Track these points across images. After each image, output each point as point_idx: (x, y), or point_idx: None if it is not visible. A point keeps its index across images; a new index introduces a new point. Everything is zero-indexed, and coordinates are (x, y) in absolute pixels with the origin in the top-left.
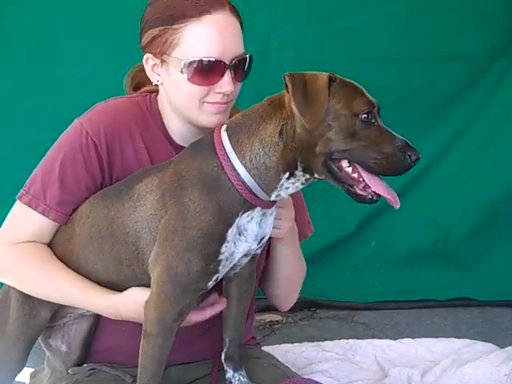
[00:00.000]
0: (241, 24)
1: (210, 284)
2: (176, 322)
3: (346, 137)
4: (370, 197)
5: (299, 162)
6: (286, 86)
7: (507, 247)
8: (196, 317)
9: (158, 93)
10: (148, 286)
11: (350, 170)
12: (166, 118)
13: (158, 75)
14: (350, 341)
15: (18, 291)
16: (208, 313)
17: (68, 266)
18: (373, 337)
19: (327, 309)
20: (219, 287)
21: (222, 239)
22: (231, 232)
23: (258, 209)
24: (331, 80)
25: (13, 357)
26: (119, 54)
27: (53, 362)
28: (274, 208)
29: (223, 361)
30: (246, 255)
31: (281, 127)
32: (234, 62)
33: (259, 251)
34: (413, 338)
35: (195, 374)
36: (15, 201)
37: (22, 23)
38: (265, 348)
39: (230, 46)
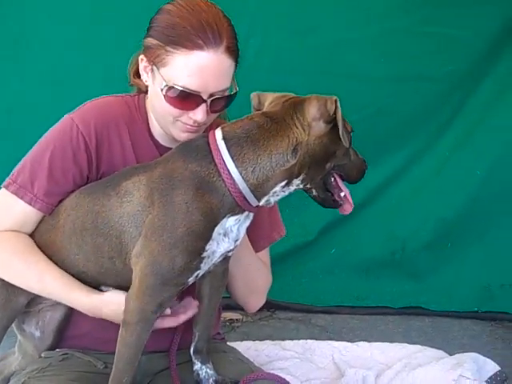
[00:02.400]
0: (236, 59)
1: (191, 280)
2: (155, 313)
3: (345, 153)
4: (341, 203)
5: (303, 173)
6: (320, 106)
7: (459, 262)
8: (169, 322)
9: (146, 92)
10: (126, 280)
11: (332, 180)
12: (151, 118)
13: (148, 76)
14: (309, 341)
15: None
16: (182, 318)
17: (49, 257)
18: (329, 339)
19: (285, 310)
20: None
21: (208, 238)
22: (217, 231)
23: (246, 213)
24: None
25: None
26: (115, 55)
27: (25, 346)
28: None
29: (192, 353)
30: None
31: (295, 146)
32: (213, 97)
33: (231, 254)
34: (368, 341)
35: (164, 363)
36: None
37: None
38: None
39: (212, 83)
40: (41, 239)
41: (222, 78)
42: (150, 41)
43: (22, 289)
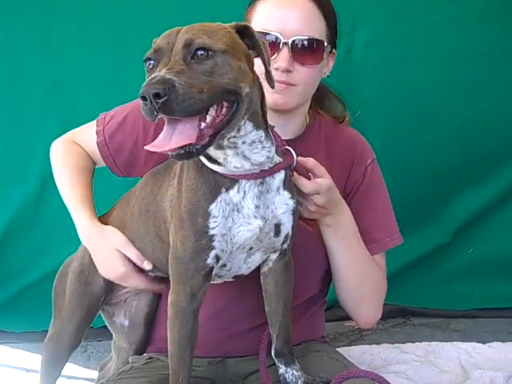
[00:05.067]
0: (322, 10)
1: (210, 262)
2: (191, 304)
3: None
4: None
5: None
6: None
7: None
8: None
9: None
10: None
11: None
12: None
13: None
14: (433, 343)
15: (77, 265)
16: None
17: (127, 235)
18: None
19: (422, 316)
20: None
21: (206, 215)
22: (216, 207)
23: (246, 182)
24: None
25: (69, 328)
26: None
27: (118, 342)
28: (279, 186)
29: (274, 357)
30: (275, 251)
31: None
32: (294, 41)
33: (285, 246)
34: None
35: (252, 367)
36: None
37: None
38: (341, 349)
39: (292, 25)
40: (120, 218)
41: (304, 22)
42: (244, 14)
43: (98, 274)
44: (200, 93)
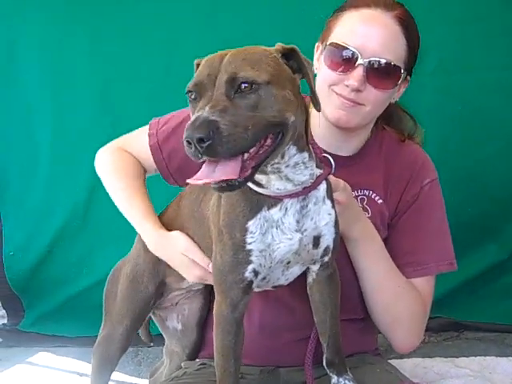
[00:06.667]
0: (406, 34)
1: (248, 275)
2: (232, 314)
3: None
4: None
5: None
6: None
7: None
8: None
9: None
10: None
11: None
12: (314, 117)
13: (318, 62)
14: (488, 358)
15: (129, 270)
16: None
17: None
18: None
19: (475, 330)
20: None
21: (244, 230)
22: (254, 224)
23: (289, 201)
24: None
25: (120, 331)
26: None
27: (170, 347)
28: (324, 196)
29: (326, 367)
30: (314, 263)
31: None
32: (370, 61)
33: (326, 258)
34: None
35: (304, 377)
36: None
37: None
38: (393, 361)
39: (372, 45)
40: (171, 219)
41: (385, 44)
42: (327, 22)
43: (149, 279)
44: (245, 131)
